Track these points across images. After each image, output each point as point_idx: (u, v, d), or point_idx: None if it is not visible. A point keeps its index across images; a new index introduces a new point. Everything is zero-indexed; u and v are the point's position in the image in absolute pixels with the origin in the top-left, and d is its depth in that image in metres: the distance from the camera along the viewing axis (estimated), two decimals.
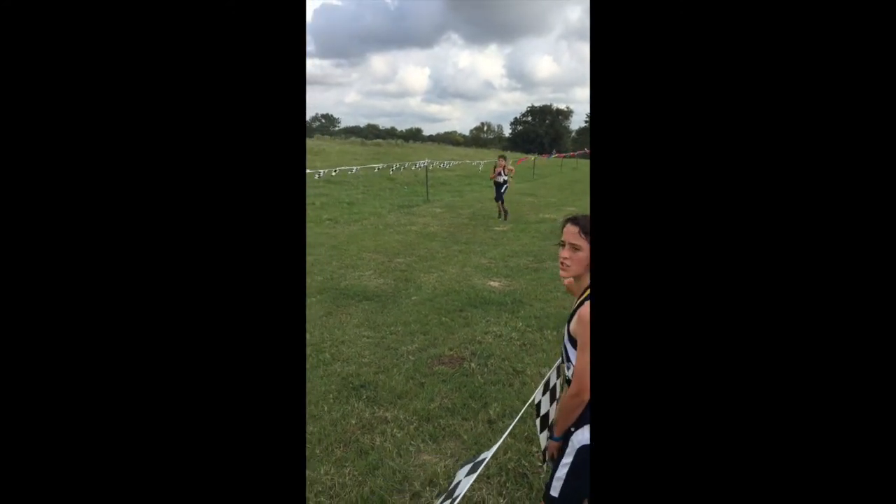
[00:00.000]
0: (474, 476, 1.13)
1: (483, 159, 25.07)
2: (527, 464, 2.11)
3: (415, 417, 2.46)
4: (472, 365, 3.07)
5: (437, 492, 1.95)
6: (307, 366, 3.00)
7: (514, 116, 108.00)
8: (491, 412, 2.51)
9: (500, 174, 9.24)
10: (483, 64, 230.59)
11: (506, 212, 9.15)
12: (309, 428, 2.35)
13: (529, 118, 70.68)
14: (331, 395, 2.66)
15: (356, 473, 2.04)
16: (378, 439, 2.28)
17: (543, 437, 1.63)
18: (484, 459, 1.20)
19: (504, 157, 9.62)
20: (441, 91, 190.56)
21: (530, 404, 1.64)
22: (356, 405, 2.57)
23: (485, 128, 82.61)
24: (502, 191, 9.17)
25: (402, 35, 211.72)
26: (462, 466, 1.26)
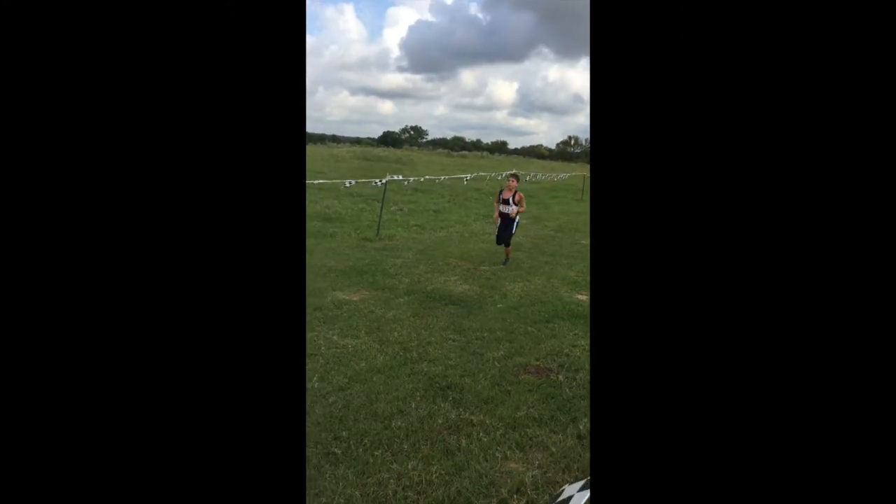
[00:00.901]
0: (587, 494, 1.08)
1: (569, 172, 24.53)
2: None
3: (501, 424, 2.42)
4: (560, 377, 2.97)
5: (524, 501, 1.90)
6: (395, 362, 3.07)
7: None
8: (581, 427, 2.40)
9: (506, 202, 5.85)
10: (573, 77, 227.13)
11: (508, 257, 6.03)
12: (397, 422, 2.39)
13: None
14: (418, 393, 2.70)
15: (443, 472, 2.04)
16: (464, 441, 2.27)
17: None
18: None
19: (516, 178, 6.07)
20: (528, 104, 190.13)
21: None
22: (442, 405, 2.58)
23: (572, 141, 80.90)
24: (512, 230, 5.91)
25: (493, 49, 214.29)
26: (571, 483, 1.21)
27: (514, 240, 6.19)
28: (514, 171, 6.39)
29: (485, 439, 2.29)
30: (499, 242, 6.01)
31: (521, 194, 5.89)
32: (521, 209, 5.87)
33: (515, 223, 5.92)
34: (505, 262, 5.97)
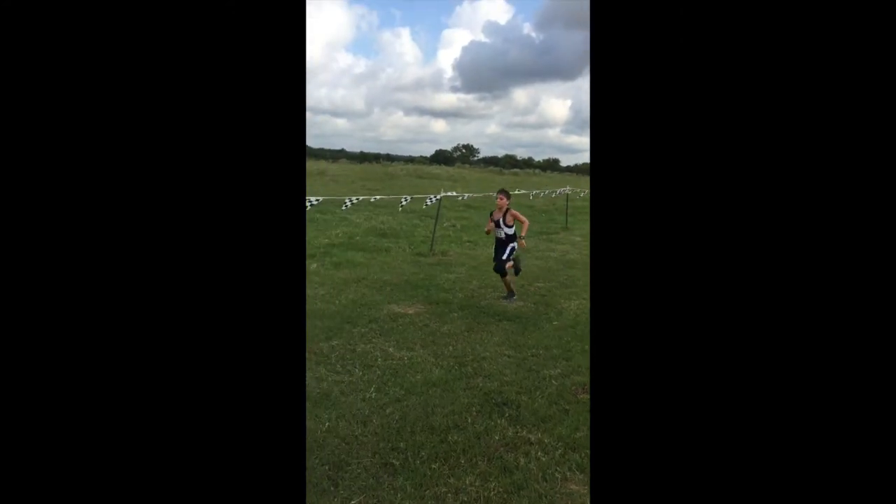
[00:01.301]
0: None
1: None
2: None
3: (560, 444, 2.35)
4: None
5: None
6: (450, 376, 3.06)
7: None
8: None
9: (497, 224, 4.81)
10: None
11: (510, 290, 4.93)
12: (454, 437, 2.37)
13: None
14: (474, 408, 2.67)
15: (500, 490, 2.00)
16: (522, 459, 2.21)
17: None
18: None
19: (505, 194, 4.82)
20: (581, 122, 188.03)
21: None
22: (499, 422, 2.54)
23: None
24: (506, 255, 4.78)
25: (546, 68, 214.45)
26: None
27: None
28: (503, 189, 5.01)
29: (543, 459, 2.23)
30: (497, 270, 4.86)
31: (515, 213, 4.75)
32: (523, 229, 4.73)
33: (510, 249, 4.77)
34: (508, 297, 4.89)
